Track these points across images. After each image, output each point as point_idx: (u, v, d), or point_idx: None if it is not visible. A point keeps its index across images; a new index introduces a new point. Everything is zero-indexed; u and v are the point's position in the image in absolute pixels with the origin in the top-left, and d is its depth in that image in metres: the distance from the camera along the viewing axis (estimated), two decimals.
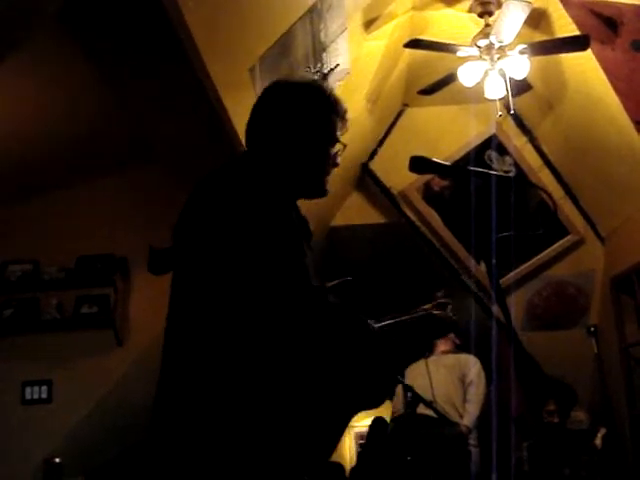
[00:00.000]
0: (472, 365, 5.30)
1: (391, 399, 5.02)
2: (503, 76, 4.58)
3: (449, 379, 5.21)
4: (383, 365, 1.58)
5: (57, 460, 4.67)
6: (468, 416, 5.08)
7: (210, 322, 1.53)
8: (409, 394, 4.01)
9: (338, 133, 1.79)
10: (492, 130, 5.70)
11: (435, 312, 1.76)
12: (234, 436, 1.48)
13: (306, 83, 1.85)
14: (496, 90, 4.65)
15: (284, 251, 1.53)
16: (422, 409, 4.28)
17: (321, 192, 1.80)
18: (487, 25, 4.49)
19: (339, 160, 1.80)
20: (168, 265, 1.69)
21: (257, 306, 1.51)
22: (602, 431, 5.48)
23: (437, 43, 4.54)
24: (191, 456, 1.49)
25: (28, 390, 5.00)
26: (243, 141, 1.89)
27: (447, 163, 2.14)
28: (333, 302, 1.58)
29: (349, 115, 1.82)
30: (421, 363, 5.03)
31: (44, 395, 5.00)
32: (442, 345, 5.53)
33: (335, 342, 1.52)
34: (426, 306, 1.81)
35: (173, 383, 1.57)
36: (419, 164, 2.03)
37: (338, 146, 1.80)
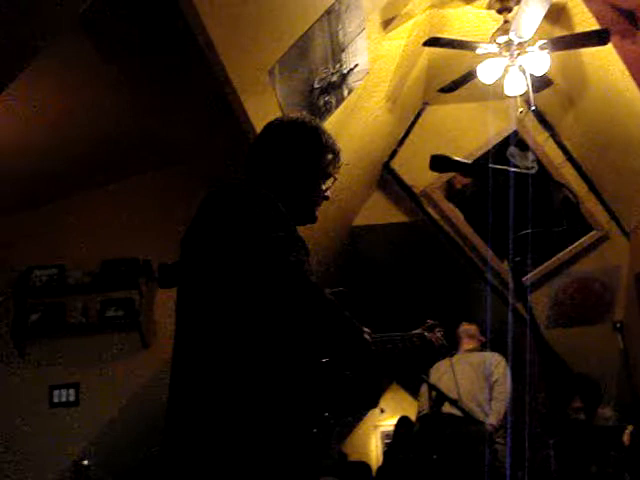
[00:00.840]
0: (497, 363, 5.26)
1: (416, 399, 5.01)
2: (523, 72, 4.55)
3: (474, 377, 5.18)
4: (370, 375, 1.70)
5: (85, 462, 4.71)
6: (494, 414, 5.04)
7: (218, 331, 1.61)
8: (434, 393, 4.00)
9: (330, 169, 1.94)
10: (513, 127, 5.67)
11: (427, 334, 1.91)
12: (243, 440, 1.55)
13: (305, 122, 1.97)
14: (516, 86, 4.63)
15: (289, 260, 1.60)
16: (447, 408, 4.28)
17: (311, 219, 1.95)
18: (506, 21, 4.47)
19: (329, 193, 1.97)
20: (176, 279, 1.76)
21: (263, 313, 1.59)
22: (629, 428, 5.42)
23: (456, 41, 4.53)
24: (203, 462, 1.55)
25: (56, 393, 5.05)
26: None
27: (467, 161, 2.14)
28: (342, 310, 1.65)
29: (342, 155, 1.98)
30: (446, 362, 5.01)
31: (72, 398, 5.05)
32: (467, 343, 5.51)
33: (332, 349, 1.65)
34: (417, 330, 1.93)
35: (185, 392, 1.64)
36: (439, 163, 2.04)
37: (329, 181, 1.96)
